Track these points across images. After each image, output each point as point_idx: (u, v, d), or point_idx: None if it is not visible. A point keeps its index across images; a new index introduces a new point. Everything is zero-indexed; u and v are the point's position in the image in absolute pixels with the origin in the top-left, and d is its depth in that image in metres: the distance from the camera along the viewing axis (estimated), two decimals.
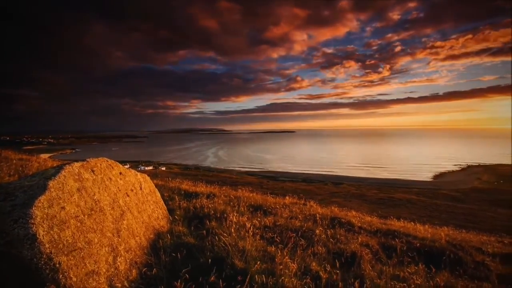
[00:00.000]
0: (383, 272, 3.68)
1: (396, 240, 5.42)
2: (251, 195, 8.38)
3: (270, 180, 68.99)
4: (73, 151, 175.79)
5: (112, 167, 3.80)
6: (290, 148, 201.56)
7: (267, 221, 5.07)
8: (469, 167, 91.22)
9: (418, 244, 5.35)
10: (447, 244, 5.64)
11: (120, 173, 3.91)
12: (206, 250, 3.36)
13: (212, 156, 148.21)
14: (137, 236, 3.26)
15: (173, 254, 3.17)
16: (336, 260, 3.73)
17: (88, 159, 3.37)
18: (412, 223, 7.94)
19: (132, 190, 3.95)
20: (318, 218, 5.92)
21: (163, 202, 5.09)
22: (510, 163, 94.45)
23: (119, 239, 2.90)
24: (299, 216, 6.00)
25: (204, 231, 3.96)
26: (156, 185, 6.61)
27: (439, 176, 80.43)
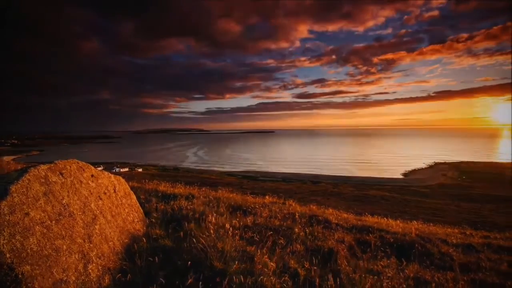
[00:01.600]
0: (358, 267, 3.83)
1: (370, 235, 5.67)
2: (231, 195, 8.36)
3: (250, 180, 69.13)
4: (41, 152, 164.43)
5: (83, 170, 3.62)
6: (270, 148, 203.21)
7: (246, 221, 5.08)
8: (436, 164, 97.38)
9: (390, 239, 5.63)
10: (417, 237, 6.00)
11: (92, 176, 3.72)
12: (184, 252, 3.30)
13: (192, 157, 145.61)
14: (110, 241, 3.13)
15: (150, 258, 3.08)
16: (314, 257, 3.82)
17: (56, 161, 3.18)
18: (385, 218, 8.33)
19: (105, 193, 3.78)
20: (297, 217, 6.03)
21: (139, 205, 4.92)
22: (472, 160, 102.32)
23: (91, 245, 2.76)
24: (279, 215, 6.07)
25: (182, 233, 3.88)
26: (132, 188, 6.37)
27: (410, 173, 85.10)
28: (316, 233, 5.08)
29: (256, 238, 4.12)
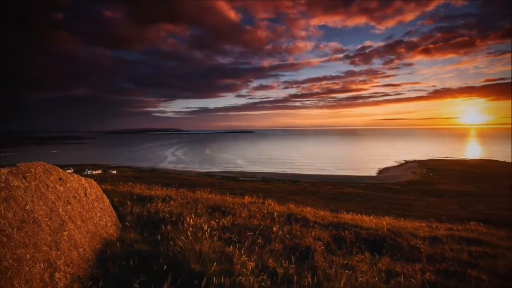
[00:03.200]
0: (333, 262, 3.96)
1: (346, 231, 5.87)
2: (209, 196, 8.26)
3: (230, 181, 68.78)
4: (2, 154, 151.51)
5: (50, 172, 3.40)
6: (250, 148, 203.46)
7: (225, 221, 5.06)
8: (406, 162, 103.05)
9: (364, 234, 5.88)
10: (388, 232, 6.31)
11: (60, 179, 3.51)
12: (161, 256, 3.21)
13: (170, 157, 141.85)
14: (80, 248, 2.96)
15: (124, 264, 2.96)
16: (292, 255, 3.89)
17: (19, 164, 2.96)
18: (359, 215, 8.67)
19: (75, 197, 3.58)
20: (275, 216, 6.10)
21: (112, 209, 4.72)
22: (439, 158, 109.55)
23: (58, 253, 2.60)
24: (258, 215, 6.10)
25: (159, 237, 3.78)
26: (105, 190, 6.10)
27: (382, 171, 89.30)
28: (294, 232, 5.17)
29: (235, 239, 4.12)
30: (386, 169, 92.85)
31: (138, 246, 3.51)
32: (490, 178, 64.96)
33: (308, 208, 8.28)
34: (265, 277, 3.04)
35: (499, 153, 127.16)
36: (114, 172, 79.11)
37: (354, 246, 5.13)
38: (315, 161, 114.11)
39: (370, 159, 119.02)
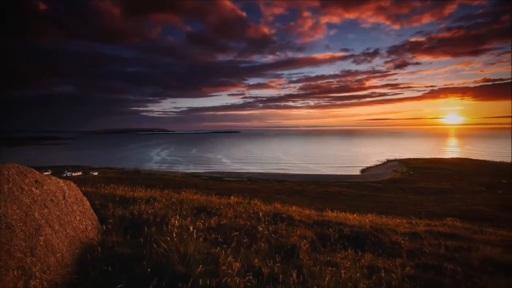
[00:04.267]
0: (318, 260, 4.04)
1: (330, 229, 5.99)
2: (195, 197, 8.17)
3: (216, 181, 68.27)
4: None
5: (25, 175, 3.24)
6: (237, 148, 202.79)
7: (211, 222, 5.02)
8: (388, 161, 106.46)
9: (348, 231, 6.02)
10: (371, 228, 6.49)
11: (36, 181, 3.35)
12: (144, 259, 3.14)
13: (155, 158, 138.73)
14: (58, 253, 2.84)
15: (105, 268, 2.87)
16: (278, 254, 3.93)
17: None
18: (343, 213, 8.87)
19: (52, 201, 3.43)
20: (261, 215, 6.12)
21: (93, 211, 4.56)
22: (419, 156, 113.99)
23: (34, 259, 2.48)
24: (243, 215, 6.10)
25: (142, 239, 3.69)
26: (85, 193, 5.89)
27: (366, 170, 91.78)
28: (280, 231, 5.21)
29: (221, 239, 4.10)
30: (369, 168, 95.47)
31: (120, 249, 3.41)
32: (464, 176, 68.38)
33: (294, 207, 8.37)
34: (250, 277, 3.04)
35: (473, 151, 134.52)
36: (96, 173, 76.39)
37: (338, 243, 5.25)
38: (301, 161, 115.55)
39: (354, 158, 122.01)
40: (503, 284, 3.89)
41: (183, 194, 8.33)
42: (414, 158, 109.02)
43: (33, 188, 3.18)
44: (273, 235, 4.90)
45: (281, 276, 3.22)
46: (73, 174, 71.10)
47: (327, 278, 3.35)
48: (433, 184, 59.97)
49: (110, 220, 4.59)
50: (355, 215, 8.80)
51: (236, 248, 3.93)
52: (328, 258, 4.25)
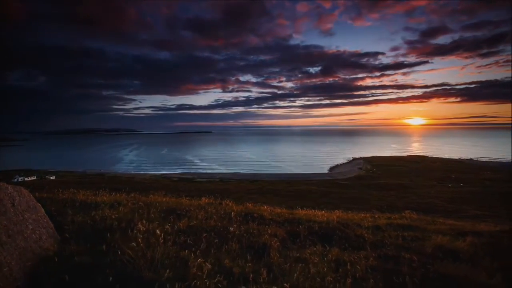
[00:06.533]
0: (288, 257, 4.14)
1: (300, 226, 6.17)
2: (164, 199, 7.90)
3: (187, 182, 66.57)
4: None
5: None
6: (209, 149, 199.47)
7: (180, 224, 4.89)
8: (354, 159, 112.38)
9: (317, 228, 6.24)
10: (338, 224, 6.81)
11: None
12: (107, 267, 2.96)
13: (122, 160, 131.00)
14: (5, 267, 2.57)
15: (62, 279, 2.66)
16: (249, 254, 3.95)
17: None
18: (313, 210, 9.20)
19: None
20: (233, 216, 6.11)
21: (48, 219, 4.19)
22: (382, 155, 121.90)
23: None
24: (215, 216, 6.03)
25: (105, 246, 3.48)
26: (40, 199, 5.41)
27: (334, 168, 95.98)
28: (251, 230, 5.24)
29: (191, 242, 4.02)
30: (337, 166, 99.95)
31: (80, 258, 3.17)
32: (420, 172, 74.70)
33: (265, 207, 8.48)
34: (221, 278, 3.02)
35: (429, 149, 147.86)
36: (53, 178, 70.04)
37: (307, 239, 5.42)
38: (273, 160, 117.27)
39: (324, 157, 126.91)
40: (451, 267, 4.32)
41: (152, 197, 8.01)
42: (377, 156, 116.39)
43: None
44: (244, 234, 4.92)
45: (251, 275, 3.24)
46: (26, 179, 64.47)
47: (296, 274, 3.45)
48: (393, 180, 64.55)
49: (68, 228, 4.25)
50: (323, 211, 9.17)
51: (206, 250, 3.88)
52: (298, 255, 4.37)
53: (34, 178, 67.91)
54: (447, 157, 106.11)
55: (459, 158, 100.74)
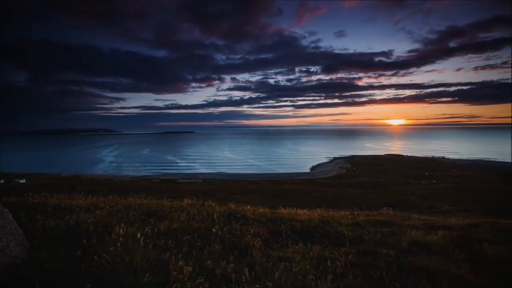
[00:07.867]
0: (271, 256, 4.17)
1: (283, 226, 6.24)
2: (144, 201, 7.69)
3: (169, 183, 65.06)
4: None
5: None
6: (192, 149, 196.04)
7: (161, 227, 4.78)
8: (335, 158, 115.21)
9: (299, 226, 6.34)
10: (319, 222, 6.96)
11: None
12: (82, 274, 2.83)
13: (100, 161, 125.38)
14: None
15: None
16: (231, 254, 3.94)
17: None
18: (295, 209, 9.34)
19: None
20: (216, 217, 6.06)
21: (17, 225, 3.93)
22: (362, 154, 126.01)
23: None
24: (197, 217, 5.96)
25: (81, 252, 3.33)
26: (8, 203, 5.09)
27: (315, 167, 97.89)
28: (234, 231, 5.22)
29: (172, 244, 3.93)
30: (319, 165, 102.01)
31: (52, 265, 3.01)
32: (396, 170, 77.98)
33: (248, 207, 8.49)
34: (202, 280, 2.99)
35: (407, 148, 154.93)
36: (23, 181, 65.73)
37: (289, 238, 5.49)
38: (257, 160, 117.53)
39: (306, 156, 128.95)
40: (424, 260, 4.56)
41: (131, 199, 7.78)
42: (357, 155, 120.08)
43: None
44: (227, 235, 4.89)
45: (233, 275, 3.24)
46: None
47: (279, 273, 3.49)
48: (371, 178, 66.86)
49: (39, 234, 4.02)
50: (305, 210, 9.34)
51: (188, 252, 3.82)
52: (281, 254, 4.42)
53: (2, 181, 63.44)
54: (421, 156, 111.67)
55: (432, 157, 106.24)
